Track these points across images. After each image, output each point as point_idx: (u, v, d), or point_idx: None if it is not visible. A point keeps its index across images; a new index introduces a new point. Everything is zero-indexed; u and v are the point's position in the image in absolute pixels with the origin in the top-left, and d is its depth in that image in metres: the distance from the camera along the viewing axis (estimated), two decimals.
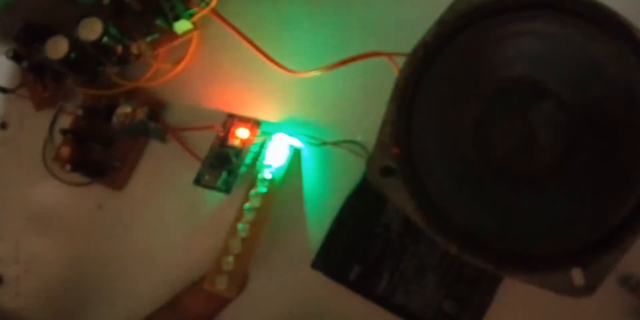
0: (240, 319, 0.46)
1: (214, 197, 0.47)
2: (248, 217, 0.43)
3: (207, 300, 0.44)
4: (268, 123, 0.47)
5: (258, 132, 0.46)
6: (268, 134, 0.46)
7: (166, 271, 0.48)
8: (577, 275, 0.33)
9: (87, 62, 0.49)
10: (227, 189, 0.45)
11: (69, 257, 0.50)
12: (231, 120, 0.46)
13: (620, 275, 0.40)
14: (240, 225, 0.42)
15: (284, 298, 0.45)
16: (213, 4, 0.47)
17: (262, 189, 0.44)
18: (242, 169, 0.46)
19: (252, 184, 0.44)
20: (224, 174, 0.45)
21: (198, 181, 0.46)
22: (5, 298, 0.51)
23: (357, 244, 0.44)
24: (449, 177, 0.36)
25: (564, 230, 0.34)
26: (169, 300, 0.46)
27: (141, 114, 0.48)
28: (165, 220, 0.48)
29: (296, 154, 0.46)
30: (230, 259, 0.42)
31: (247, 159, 0.46)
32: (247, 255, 0.43)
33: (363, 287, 0.43)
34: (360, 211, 0.44)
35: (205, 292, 0.42)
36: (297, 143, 0.46)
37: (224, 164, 0.45)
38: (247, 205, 0.43)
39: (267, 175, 0.44)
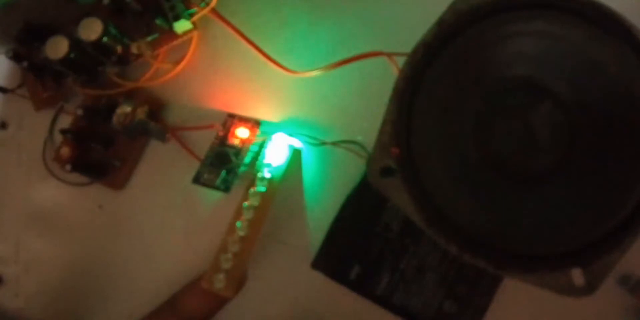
0: (240, 319, 0.46)
1: (214, 197, 0.47)
2: (247, 215, 0.43)
3: (205, 300, 0.44)
4: (268, 123, 0.47)
5: (258, 132, 0.46)
6: (268, 134, 0.46)
7: (166, 271, 0.48)
8: (577, 275, 0.33)
9: (87, 62, 0.49)
10: (226, 188, 0.45)
11: (69, 257, 0.50)
12: (231, 120, 0.46)
13: (620, 275, 0.40)
14: (238, 224, 0.42)
15: (284, 298, 0.45)
16: (213, 4, 0.47)
17: (261, 188, 0.44)
18: (242, 169, 0.46)
19: (251, 182, 0.44)
20: (223, 173, 0.45)
21: (197, 180, 0.46)
22: (5, 298, 0.51)
23: (357, 244, 0.44)
24: (449, 177, 0.36)
25: (564, 230, 0.34)
26: (167, 300, 0.46)
27: (141, 113, 0.48)
28: (165, 220, 0.48)
29: (296, 154, 0.46)
30: (229, 257, 0.42)
31: (247, 159, 0.46)
32: (245, 254, 0.43)
33: (363, 287, 0.43)
34: (360, 211, 0.44)
35: (203, 291, 0.42)
36: (297, 143, 0.46)
37: (223, 163, 0.45)
38: (245, 204, 0.43)
39: (266, 174, 0.44)
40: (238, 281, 0.43)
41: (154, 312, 0.46)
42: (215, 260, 0.42)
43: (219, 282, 0.41)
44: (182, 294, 0.45)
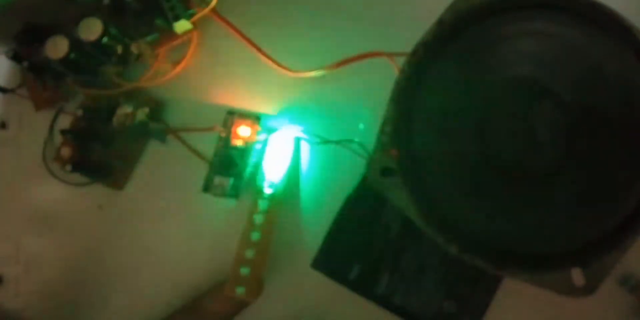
0: (240, 319, 0.46)
1: (214, 197, 0.47)
2: (258, 220, 0.43)
3: (227, 304, 0.45)
4: (268, 121, 0.47)
5: (259, 128, 0.46)
6: (269, 132, 0.46)
7: (166, 271, 0.48)
8: (577, 275, 0.33)
9: (87, 62, 0.49)
10: (236, 194, 0.46)
11: (69, 257, 0.50)
12: (231, 118, 0.46)
13: (620, 275, 0.40)
14: (251, 230, 0.43)
15: (283, 298, 0.45)
16: (213, 4, 0.47)
17: (268, 190, 0.44)
18: (248, 170, 0.46)
19: (259, 189, 0.44)
20: (231, 180, 0.45)
21: (207, 189, 0.46)
22: (5, 298, 0.51)
23: (357, 244, 0.44)
24: (448, 177, 0.36)
25: (564, 230, 0.34)
26: (188, 304, 0.46)
27: (141, 114, 0.48)
28: (165, 220, 0.48)
29: (295, 145, 0.46)
30: (246, 264, 0.42)
31: (252, 159, 0.46)
32: (262, 258, 0.43)
33: (363, 287, 0.43)
34: (360, 211, 0.44)
35: (226, 297, 0.43)
36: (297, 137, 0.46)
37: (229, 168, 0.45)
38: (255, 208, 0.43)
39: (272, 175, 0.44)
40: (258, 285, 0.43)
41: (174, 315, 0.46)
42: (234, 267, 0.43)
43: (240, 289, 0.42)
44: (204, 298, 0.46)
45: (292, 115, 0.47)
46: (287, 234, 0.46)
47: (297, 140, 0.46)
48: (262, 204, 0.43)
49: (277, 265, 0.45)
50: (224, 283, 0.43)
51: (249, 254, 0.42)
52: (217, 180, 0.46)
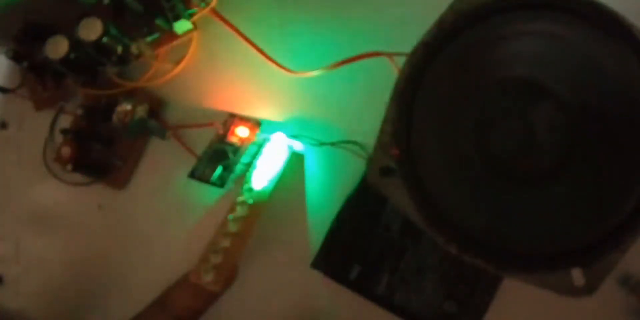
0: (240, 318, 0.46)
1: (214, 197, 0.47)
2: (240, 212, 0.43)
3: (193, 295, 0.44)
4: (267, 123, 0.47)
5: (258, 131, 0.46)
6: (268, 134, 0.46)
7: (166, 270, 0.47)
8: (577, 275, 0.33)
9: (87, 62, 0.49)
10: (221, 184, 0.45)
11: (69, 257, 0.50)
12: (232, 119, 0.47)
13: (620, 275, 0.40)
14: (230, 217, 0.43)
15: (283, 297, 0.45)
16: (213, 4, 0.47)
17: (256, 186, 0.44)
18: (239, 167, 0.46)
19: (247, 180, 0.44)
20: (219, 169, 0.45)
21: (193, 174, 0.46)
22: (5, 298, 0.51)
23: (357, 244, 0.44)
24: (449, 177, 0.36)
25: (565, 230, 0.34)
26: (157, 296, 0.46)
27: (141, 111, 0.48)
28: (165, 219, 0.48)
29: (298, 158, 0.46)
30: (218, 252, 0.42)
31: (245, 158, 0.46)
32: (236, 250, 0.43)
33: (363, 287, 0.43)
34: (360, 211, 0.44)
35: (192, 287, 0.42)
36: (296, 144, 0.46)
37: (220, 159, 0.45)
38: (239, 199, 0.43)
39: (262, 173, 0.44)
40: (226, 276, 0.43)
41: (145, 309, 0.46)
42: (204, 254, 0.42)
43: (207, 276, 0.41)
44: (171, 290, 0.45)
45: (291, 116, 0.47)
46: (288, 233, 0.46)
47: (297, 143, 0.46)
48: (247, 197, 0.43)
49: (277, 264, 0.45)
50: (190, 272, 0.43)
51: (224, 242, 0.42)
52: (205, 167, 0.45)
